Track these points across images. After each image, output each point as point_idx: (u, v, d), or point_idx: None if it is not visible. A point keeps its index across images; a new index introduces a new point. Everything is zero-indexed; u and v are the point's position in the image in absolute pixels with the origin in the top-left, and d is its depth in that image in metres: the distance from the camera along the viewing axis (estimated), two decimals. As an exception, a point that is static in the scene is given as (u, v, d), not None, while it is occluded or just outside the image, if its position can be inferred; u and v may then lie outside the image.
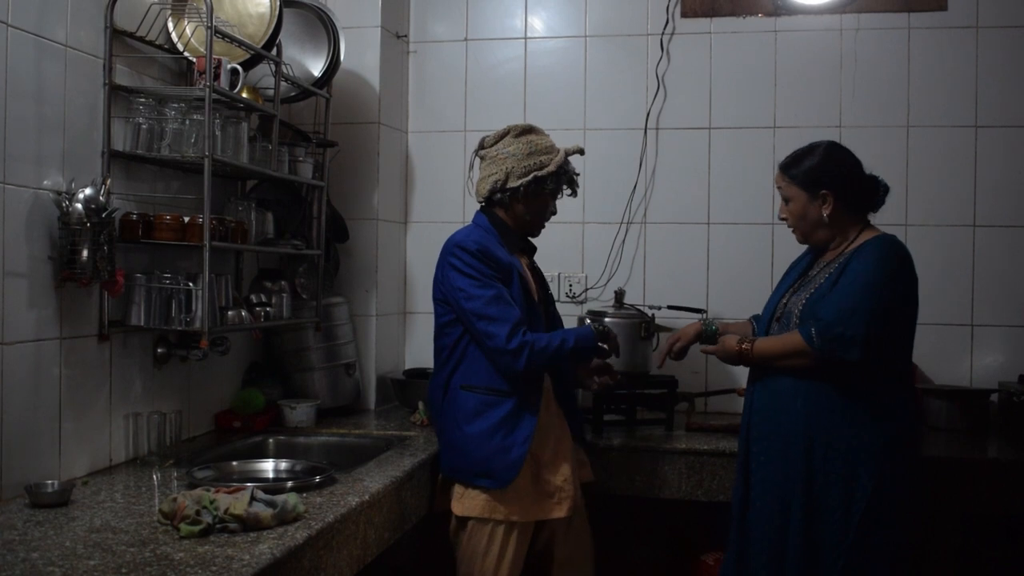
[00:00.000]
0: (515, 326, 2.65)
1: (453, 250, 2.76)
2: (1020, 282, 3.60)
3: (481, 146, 2.91)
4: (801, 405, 2.54)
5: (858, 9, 3.71)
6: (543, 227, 2.95)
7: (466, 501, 2.74)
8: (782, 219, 2.74)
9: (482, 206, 2.91)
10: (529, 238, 2.95)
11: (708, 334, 2.91)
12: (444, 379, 2.81)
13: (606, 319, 3.45)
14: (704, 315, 3.01)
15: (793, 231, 2.73)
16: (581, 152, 2.90)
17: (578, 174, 2.91)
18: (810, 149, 2.67)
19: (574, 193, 2.93)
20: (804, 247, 2.82)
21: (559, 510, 2.75)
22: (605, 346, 2.83)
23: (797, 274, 2.77)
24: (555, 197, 2.89)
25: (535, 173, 2.79)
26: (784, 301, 2.69)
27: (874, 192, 2.67)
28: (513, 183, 2.80)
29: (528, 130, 2.87)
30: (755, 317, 2.96)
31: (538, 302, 2.88)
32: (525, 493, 2.71)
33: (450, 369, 2.79)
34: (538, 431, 2.73)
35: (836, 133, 3.62)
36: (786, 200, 2.68)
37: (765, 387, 2.64)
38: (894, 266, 2.53)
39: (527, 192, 2.80)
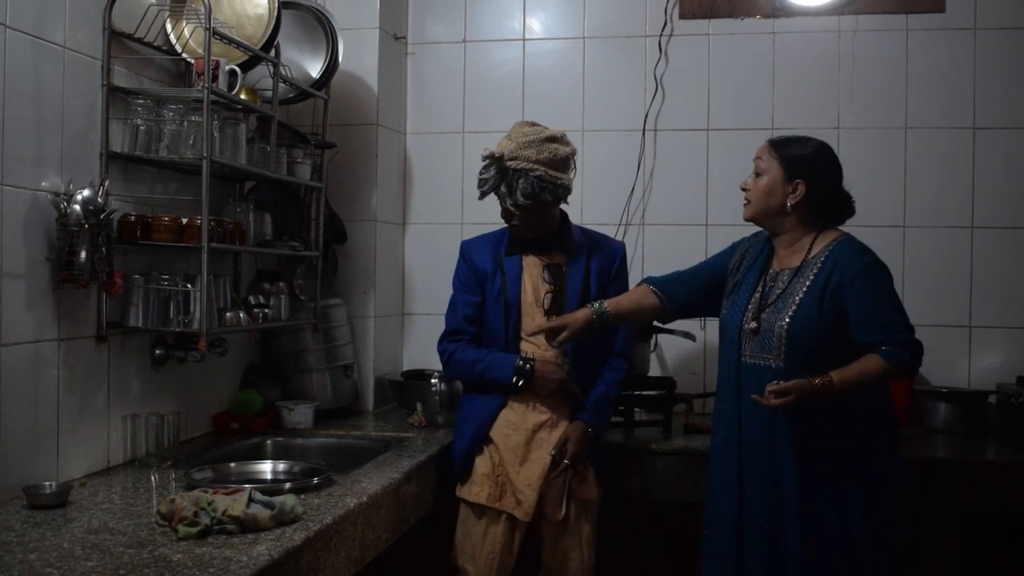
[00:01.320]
0: (448, 333, 3.02)
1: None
2: (1018, 283, 3.61)
3: (494, 154, 2.93)
4: (784, 414, 2.48)
5: (856, 11, 3.71)
6: (517, 229, 2.96)
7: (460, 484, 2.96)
8: (743, 189, 2.66)
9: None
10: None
11: (601, 319, 2.76)
12: None
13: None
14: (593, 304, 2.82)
15: (747, 205, 2.65)
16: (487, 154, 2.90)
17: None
18: (805, 140, 2.63)
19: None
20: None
21: (517, 510, 2.84)
22: (519, 383, 2.86)
23: (755, 278, 2.66)
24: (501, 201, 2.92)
25: (570, 171, 2.95)
26: (751, 311, 2.59)
27: (843, 207, 2.63)
28: (562, 182, 2.89)
29: (556, 138, 2.90)
30: (648, 280, 2.87)
31: (527, 303, 2.92)
32: (492, 481, 2.87)
33: None
34: (505, 428, 2.89)
35: (834, 134, 3.62)
36: (759, 173, 2.62)
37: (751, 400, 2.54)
38: (877, 257, 2.54)
39: (550, 195, 2.90)
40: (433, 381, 3.45)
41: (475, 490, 2.88)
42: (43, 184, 2.39)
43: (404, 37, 4.02)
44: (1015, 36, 3.61)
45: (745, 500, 2.58)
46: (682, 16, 3.84)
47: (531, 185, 2.81)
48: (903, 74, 3.68)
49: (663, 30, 3.84)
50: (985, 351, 3.62)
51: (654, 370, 3.63)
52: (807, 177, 2.56)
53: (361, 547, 2.38)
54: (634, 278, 3.79)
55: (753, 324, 2.56)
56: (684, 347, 3.70)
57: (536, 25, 3.98)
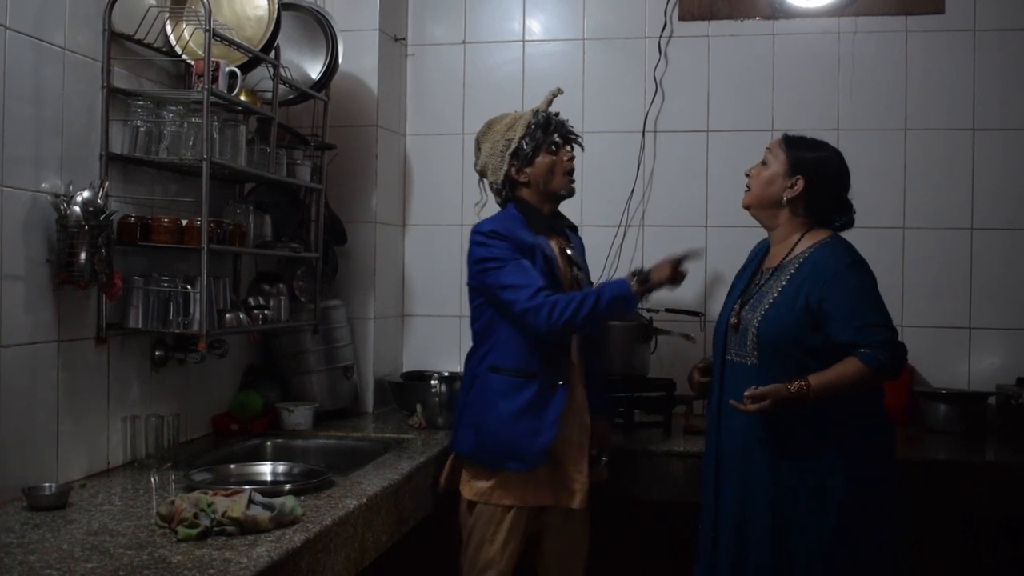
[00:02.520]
0: (537, 290, 2.65)
1: (472, 236, 2.82)
2: (1018, 285, 3.61)
3: (476, 170, 2.98)
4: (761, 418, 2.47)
5: (856, 12, 3.71)
6: (567, 184, 2.89)
7: (475, 484, 2.77)
8: (746, 175, 2.70)
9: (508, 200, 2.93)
10: (562, 209, 2.96)
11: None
12: (476, 363, 2.84)
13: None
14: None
15: (748, 191, 2.68)
16: (557, 93, 2.90)
17: (561, 118, 2.89)
18: (822, 144, 2.65)
19: (568, 139, 2.90)
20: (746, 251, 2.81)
21: (571, 500, 2.75)
22: (649, 278, 2.74)
23: (745, 280, 2.69)
24: (553, 151, 2.85)
25: (506, 153, 2.83)
26: (736, 308, 2.61)
27: (840, 213, 2.62)
28: (500, 175, 2.86)
29: (487, 126, 2.93)
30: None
31: (567, 283, 2.84)
32: (539, 478, 2.73)
33: (482, 353, 2.82)
34: (564, 415, 2.74)
35: (834, 136, 3.62)
36: (765, 163, 2.64)
37: (731, 391, 2.55)
38: (860, 258, 2.53)
39: (517, 170, 2.84)
40: (433, 383, 3.45)
41: (528, 495, 2.73)
42: (43, 185, 2.39)
43: (404, 38, 4.02)
44: (1014, 37, 3.61)
45: (720, 501, 2.59)
46: (682, 18, 3.84)
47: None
48: (903, 75, 3.69)
49: (663, 31, 3.84)
50: (985, 352, 3.62)
51: (654, 371, 3.63)
52: (808, 175, 2.57)
53: (361, 549, 2.38)
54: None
55: (733, 320, 2.59)
56: (684, 348, 3.70)
57: (536, 26, 3.99)
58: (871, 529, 2.46)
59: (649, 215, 3.86)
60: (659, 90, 3.85)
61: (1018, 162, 3.61)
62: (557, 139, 2.86)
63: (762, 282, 2.60)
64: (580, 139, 2.97)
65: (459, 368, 3.90)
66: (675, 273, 2.78)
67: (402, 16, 4.02)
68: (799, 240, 2.58)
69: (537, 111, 2.87)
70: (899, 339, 2.45)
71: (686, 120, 3.84)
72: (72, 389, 2.50)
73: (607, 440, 2.97)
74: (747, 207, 2.70)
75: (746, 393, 2.41)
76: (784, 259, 2.58)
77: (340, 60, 3.42)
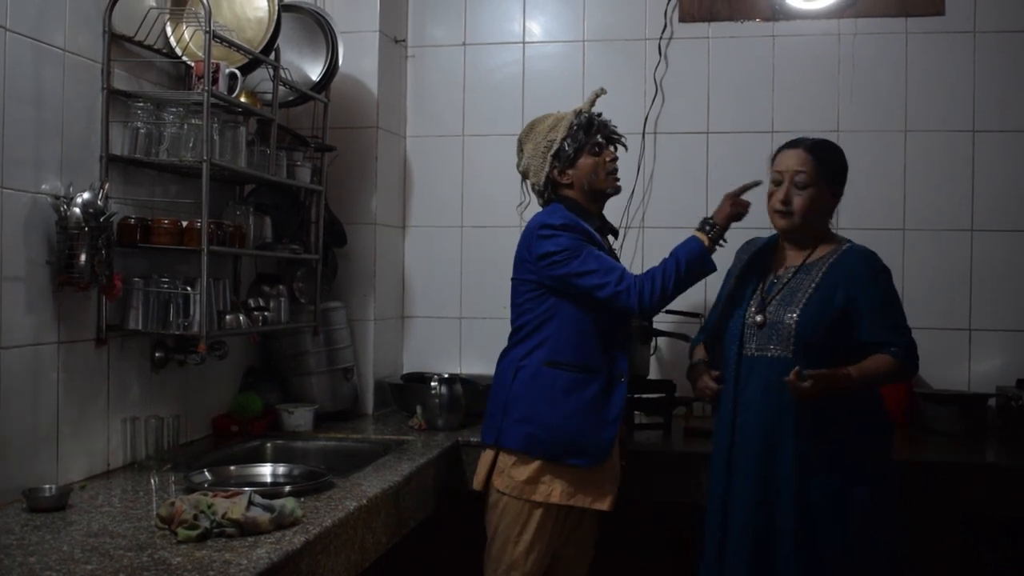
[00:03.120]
0: (622, 273, 2.68)
1: (539, 229, 2.76)
2: (1018, 286, 3.60)
3: (519, 171, 2.97)
4: (789, 408, 2.52)
5: (856, 14, 3.71)
6: (612, 182, 2.88)
7: (510, 475, 2.72)
8: (781, 203, 2.59)
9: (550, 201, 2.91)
10: (605, 211, 2.96)
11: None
12: (522, 356, 2.78)
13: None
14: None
15: (790, 215, 2.59)
16: (600, 94, 2.89)
17: (603, 119, 2.88)
18: (830, 144, 2.68)
19: (611, 139, 2.90)
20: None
21: (603, 503, 2.72)
22: (715, 223, 2.72)
23: (755, 280, 2.70)
24: (595, 151, 2.84)
25: (548, 155, 2.83)
26: (754, 306, 2.62)
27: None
28: (542, 177, 2.85)
29: (529, 127, 2.93)
30: (694, 342, 2.88)
31: None
32: (574, 479, 2.70)
33: (531, 346, 2.77)
34: None
35: (834, 137, 3.60)
36: (802, 185, 2.57)
37: (754, 386, 2.59)
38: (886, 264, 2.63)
39: (560, 172, 2.84)
40: (433, 384, 3.45)
41: (563, 493, 2.69)
42: (43, 187, 2.39)
43: (404, 40, 4.02)
44: (1014, 39, 3.61)
45: (732, 493, 2.60)
46: (682, 19, 3.84)
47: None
48: (903, 77, 3.69)
49: (663, 33, 3.84)
50: (985, 354, 3.62)
51: (654, 373, 3.63)
52: (842, 185, 2.66)
53: (361, 550, 2.38)
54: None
55: (759, 318, 2.60)
56: (684, 350, 3.70)
57: (536, 28, 3.99)
58: (869, 529, 2.47)
59: (649, 217, 3.86)
60: (659, 92, 3.85)
61: (1018, 164, 3.61)
62: (600, 140, 2.86)
63: (785, 280, 2.63)
64: (624, 139, 2.96)
65: (459, 369, 3.92)
66: (737, 205, 2.73)
67: (402, 18, 4.02)
68: (818, 241, 2.65)
69: (580, 112, 2.86)
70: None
71: (686, 122, 3.84)
72: (72, 390, 2.50)
73: (626, 445, 2.96)
74: (792, 230, 2.64)
75: (806, 372, 2.41)
76: (807, 260, 2.63)
77: (340, 62, 3.42)
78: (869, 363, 2.51)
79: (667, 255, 2.74)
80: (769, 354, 2.57)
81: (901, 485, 2.59)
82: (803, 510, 2.49)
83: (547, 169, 2.84)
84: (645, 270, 2.77)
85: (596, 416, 2.71)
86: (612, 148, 2.91)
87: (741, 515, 2.57)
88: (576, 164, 2.83)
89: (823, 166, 2.60)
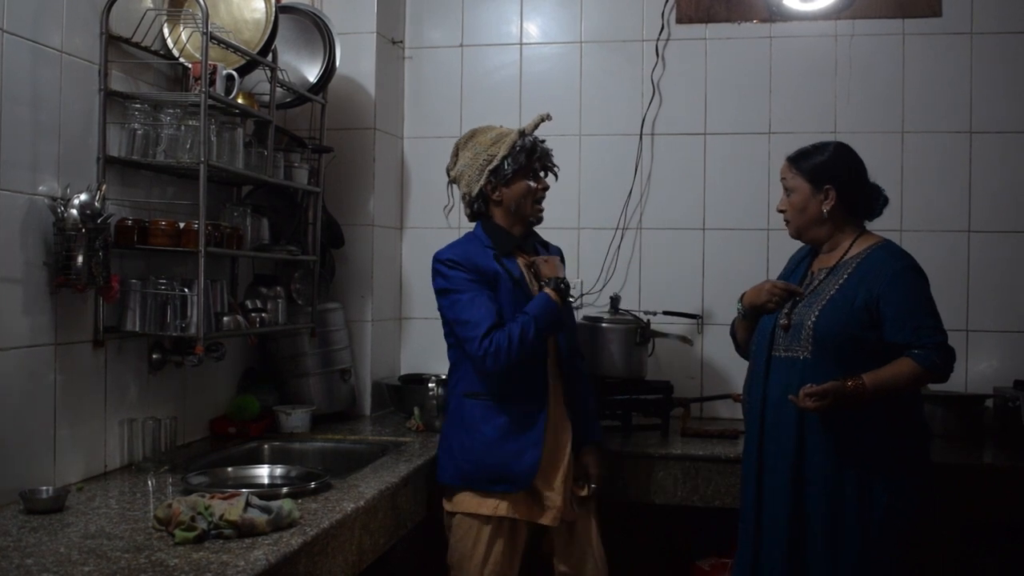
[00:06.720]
0: (487, 330, 2.65)
1: (432, 265, 2.83)
2: (1015, 287, 3.61)
3: (448, 175, 2.96)
4: (817, 415, 2.51)
5: (853, 15, 3.72)
6: (536, 211, 2.89)
7: (455, 497, 2.78)
8: (780, 211, 2.74)
9: (477, 218, 2.92)
10: (535, 230, 2.94)
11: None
12: (451, 388, 2.87)
13: (603, 324, 3.47)
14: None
15: (788, 224, 2.72)
16: (545, 119, 2.88)
17: (545, 146, 2.88)
18: (821, 146, 2.69)
19: (548, 168, 2.90)
20: (791, 252, 2.83)
21: (544, 517, 2.76)
22: (548, 287, 2.76)
23: (796, 281, 2.73)
24: (530, 176, 2.85)
25: (486, 169, 2.82)
26: (785, 310, 2.65)
27: (875, 200, 2.69)
28: (475, 189, 2.84)
29: (470, 135, 2.92)
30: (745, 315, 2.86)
31: None
32: (524, 495, 2.73)
33: (457, 378, 2.84)
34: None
35: (831, 138, 3.59)
36: (788, 192, 2.69)
37: (779, 387, 2.60)
38: (915, 261, 2.60)
39: (493, 188, 2.83)
40: (431, 385, 3.45)
41: (502, 506, 2.72)
42: (40, 188, 2.39)
43: (401, 41, 4.02)
44: (1011, 40, 3.62)
45: (764, 488, 2.61)
46: (679, 20, 3.85)
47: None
48: (900, 78, 3.69)
49: (660, 34, 3.84)
50: (982, 355, 3.62)
51: (652, 374, 3.63)
52: (833, 181, 2.63)
53: (358, 552, 2.38)
54: (630, 283, 3.82)
55: (784, 321, 2.63)
56: (682, 351, 3.71)
57: (533, 29, 3.99)
58: (892, 532, 2.48)
59: (647, 218, 3.86)
60: (656, 93, 3.85)
61: (1015, 165, 3.62)
62: (537, 167, 2.87)
63: (816, 283, 2.65)
64: (557, 169, 2.95)
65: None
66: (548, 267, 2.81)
67: (399, 19, 4.02)
68: (853, 242, 2.64)
69: (524, 133, 2.85)
70: (949, 343, 2.53)
71: (683, 123, 3.84)
72: (69, 392, 2.50)
73: (597, 468, 2.90)
74: (795, 238, 2.75)
75: (804, 390, 2.45)
76: (840, 260, 2.63)
77: (337, 63, 3.42)
78: (886, 370, 2.47)
79: (520, 319, 2.70)
80: (792, 355, 2.58)
81: (930, 497, 2.56)
82: (834, 510, 2.50)
83: (482, 182, 2.83)
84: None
85: (515, 442, 2.72)
86: (544, 175, 2.91)
87: (774, 514, 2.58)
88: (510, 184, 2.83)
89: (801, 170, 2.65)
